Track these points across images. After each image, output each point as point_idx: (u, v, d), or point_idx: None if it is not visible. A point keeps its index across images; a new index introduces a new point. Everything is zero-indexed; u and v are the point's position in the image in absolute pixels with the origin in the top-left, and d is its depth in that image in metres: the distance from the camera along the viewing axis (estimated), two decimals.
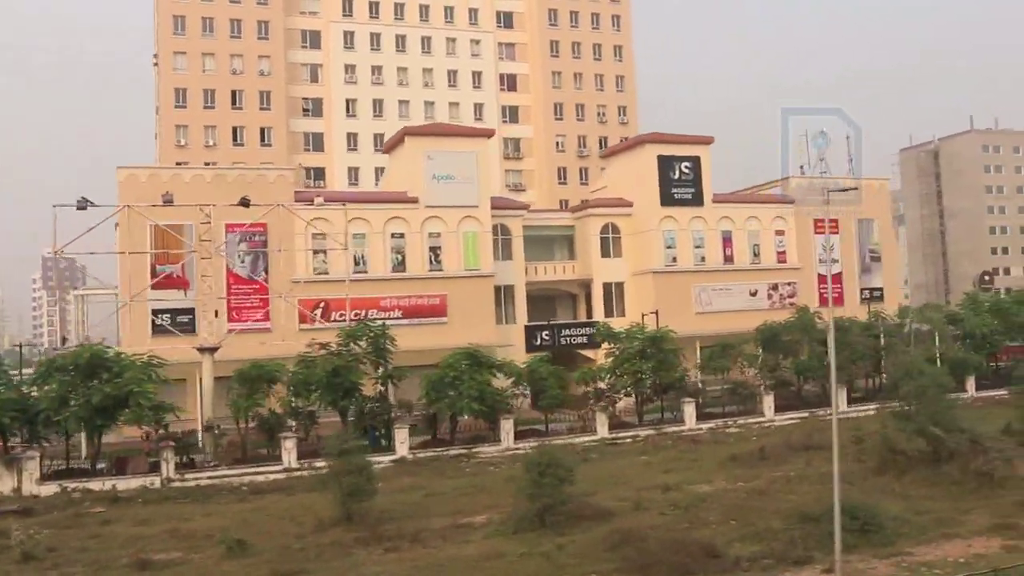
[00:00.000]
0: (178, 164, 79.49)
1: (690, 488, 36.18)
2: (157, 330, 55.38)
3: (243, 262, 57.48)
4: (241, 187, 57.14)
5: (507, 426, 48.28)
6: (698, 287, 68.00)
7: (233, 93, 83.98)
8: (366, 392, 47.16)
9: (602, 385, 52.46)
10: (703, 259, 68.74)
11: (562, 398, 50.07)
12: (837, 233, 73.46)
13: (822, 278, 72.41)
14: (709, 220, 68.92)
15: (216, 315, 48.14)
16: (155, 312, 55.46)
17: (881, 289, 74.66)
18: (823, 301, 69.99)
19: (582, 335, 66.11)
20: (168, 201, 48.38)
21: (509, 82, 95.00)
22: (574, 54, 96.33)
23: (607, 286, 68.13)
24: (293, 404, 45.78)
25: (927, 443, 35.21)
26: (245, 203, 46.77)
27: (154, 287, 54.99)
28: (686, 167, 68.24)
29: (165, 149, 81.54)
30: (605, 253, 68.23)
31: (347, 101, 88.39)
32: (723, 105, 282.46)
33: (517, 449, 47.59)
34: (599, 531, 28.80)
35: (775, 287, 70.66)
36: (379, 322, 50.09)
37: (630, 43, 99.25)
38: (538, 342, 64.80)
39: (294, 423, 45.88)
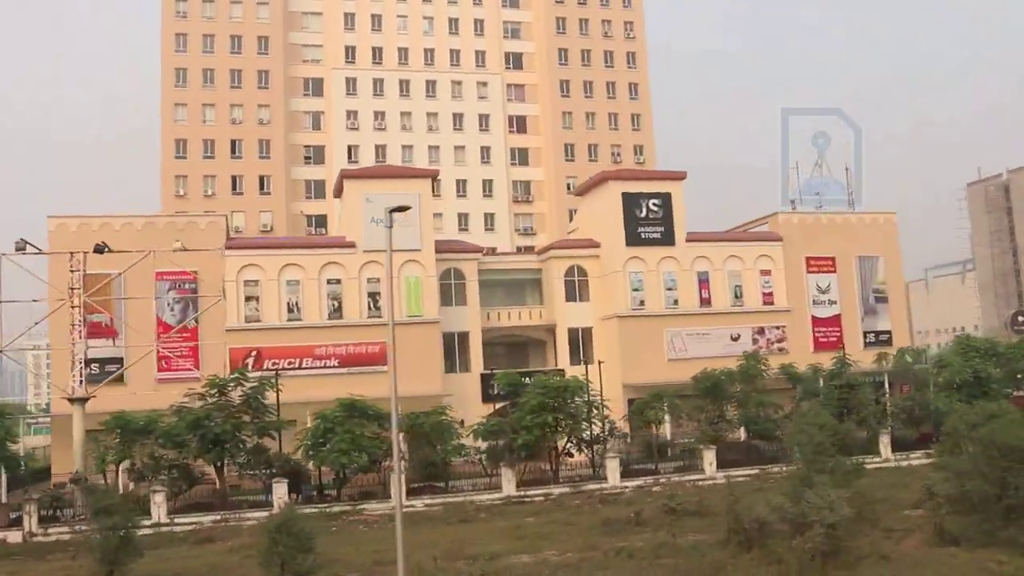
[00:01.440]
0: (177, 213, 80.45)
1: (505, 559, 32.65)
2: (90, 379, 54.75)
3: (172, 310, 56.56)
4: (172, 234, 56.86)
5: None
6: (670, 332, 63.68)
7: (232, 143, 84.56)
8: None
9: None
10: (676, 302, 64.42)
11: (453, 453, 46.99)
12: (833, 272, 68.01)
13: (816, 321, 67.04)
14: (682, 260, 64.68)
15: (84, 364, 46.78)
16: (86, 362, 54.87)
17: (889, 332, 68.55)
18: (818, 345, 64.84)
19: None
20: (99, 250, 47.82)
21: (519, 124, 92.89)
22: (586, 93, 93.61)
23: (573, 332, 64.62)
24: (157, 456, 44.05)
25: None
26: (100, 250, 45.66)
27: (86, 336, 54.55)
28: (654, 204, 64.41)
29: (166, 199, 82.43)
30: (571, 297, 64.83)
31: (349, 147, 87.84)
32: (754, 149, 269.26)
33: (411, 506, 44.67)
34: None
35: (761, 331, 65.61)
36: (273, 371, 48.19)
37: (647, 80, 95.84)
38: (494, 391, 61.54)
39: (165, 476, 44.19)
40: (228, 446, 44.33)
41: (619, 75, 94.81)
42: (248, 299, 57.83)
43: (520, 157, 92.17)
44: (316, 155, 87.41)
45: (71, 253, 46.61)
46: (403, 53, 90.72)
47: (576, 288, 64.97)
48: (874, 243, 69.21)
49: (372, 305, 59.45)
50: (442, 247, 63.49)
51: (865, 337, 67.95)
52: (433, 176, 62.59)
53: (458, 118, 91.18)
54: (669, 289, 64.45)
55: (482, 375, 62.17)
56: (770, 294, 66.53)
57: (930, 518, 31.89)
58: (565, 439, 48.63)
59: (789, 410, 52.16)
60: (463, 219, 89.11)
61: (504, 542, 36.07)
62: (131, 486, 45.47)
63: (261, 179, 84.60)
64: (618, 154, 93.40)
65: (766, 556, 29.61)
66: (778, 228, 67.93)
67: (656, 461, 50.24)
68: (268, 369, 56.65)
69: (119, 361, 55.16)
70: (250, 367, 56.42)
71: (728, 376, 52.02)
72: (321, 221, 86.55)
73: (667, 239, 64.42)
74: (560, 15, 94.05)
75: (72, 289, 45.89)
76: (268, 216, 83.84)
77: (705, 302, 65.05)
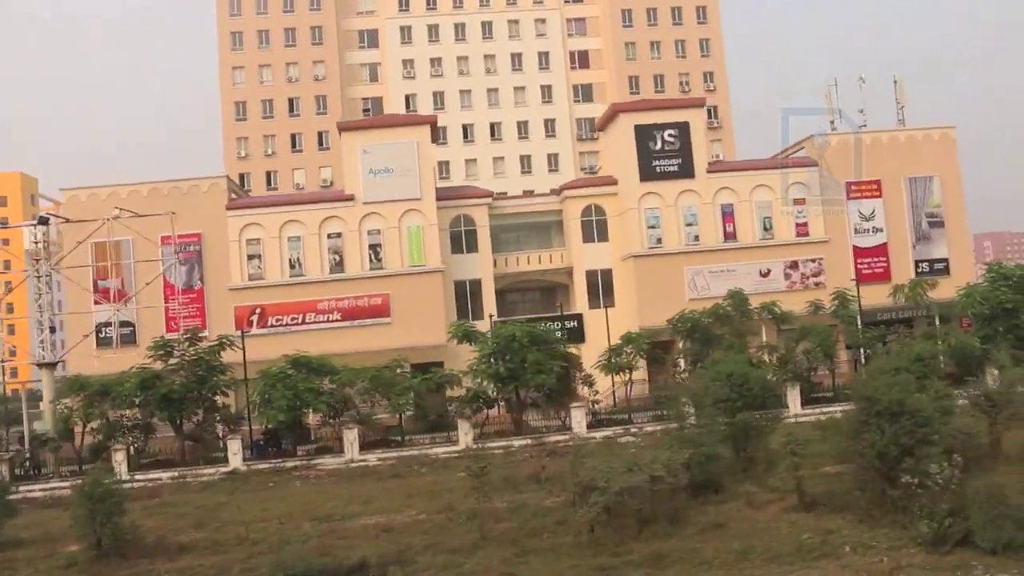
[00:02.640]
0: (241, 175, 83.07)
1: (353, 521, 32.26)
2: (101, 343, 57.59)
3: (179, 272, 58.34)
4: (176, 199, 58.63)
5: (350, 436, 45.31)
6: (692, 270, 60.35)
7: (290, 101, 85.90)
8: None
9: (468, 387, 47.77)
10: (697, 238, 60.88)
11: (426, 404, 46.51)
12: (879, 196, 62.39)
13: (859, 251, 61.87)
14: (703, 194, 60.93)
15: (52, 331, 48.93)
16: (98, 326, 57.67)
17: (946, 260, 62.37)
18: (862, 277, 59.93)
19: (561, 330, 60.73)
20: (43, 221, 50.06)
21: (580, 59, 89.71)
22: (650, 21, 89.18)
23: (591, 274, 62.27)
24: (118, 416, 45.72)
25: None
26: (44, 220, 47.28)
27: (96, 302, 57.36)
28: (670, 136, 60.82)
29: (229, 161, 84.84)
30: (588, 238, 62.47)
31: (406, 97, 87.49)
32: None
33: (363, 461, 44.78)
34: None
35: (794, 265, 61.17)
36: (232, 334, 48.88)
37: (716, 3, 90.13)
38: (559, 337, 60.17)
39: (128, 435, 45.91)
40: (185, 404, 45.47)
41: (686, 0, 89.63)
42: (251, 257, 58.88)
43: (584, 93, 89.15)
44: (375, 107, 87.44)
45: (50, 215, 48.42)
46: None
47: (594, 228, 62.48)
48: (928, 162, 62.82)
49: (373, 257, 59.30)
50: (450, 193, 62.53)
51: (917, 267, 62.09)
52: (432, 122, 61.24)
53: (516, 58, 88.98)
54: (689, 225, 60.93)
55: (494, 323, 60.85)
56: (804, 224, 61.71)
57: (795, 480, 29.04)
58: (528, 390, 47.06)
59: (778, 356, 48.51)
60: (525, 161, 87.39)
61: (386, 500, 35.53)
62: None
63: (320, 135, 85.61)
64: (687, 83, 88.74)
65: (590, 520, 27.79)
66: (814, 152, 62.66)
67: (629, 411, 47.98)
68: (272, 326, 58.00)
69: (131, 325, 57.52)
70: (255, 324, 57.89)
71: (713, 316, 48.70)
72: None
73: (686, 171, 60.78)
74: None
75: (36, 260, 47.83)
76: (328, 171, 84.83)
77: (730, 236, 61.13)
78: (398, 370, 47.41)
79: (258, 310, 58.25)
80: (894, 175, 62.51)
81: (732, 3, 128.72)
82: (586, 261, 62.21)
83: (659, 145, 60.69)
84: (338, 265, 59.08)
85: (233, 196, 62.03)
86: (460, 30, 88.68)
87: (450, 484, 36.32)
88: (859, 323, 53.44)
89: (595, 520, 26.00)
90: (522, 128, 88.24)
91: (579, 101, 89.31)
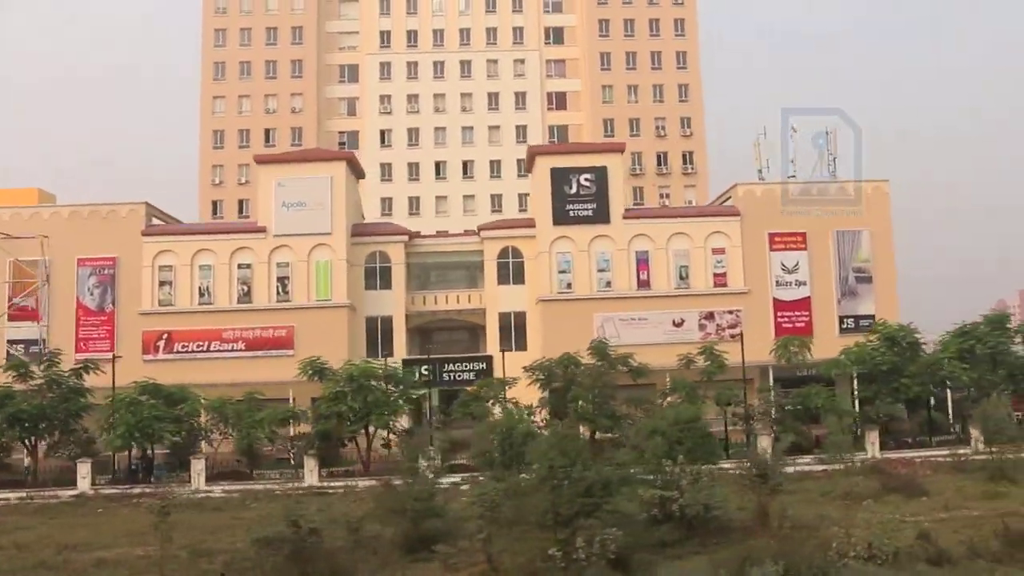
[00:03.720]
0: (214, 202, 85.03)
1: (87, 554, 32.19)
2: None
3: (92, 294, 59.70)
4: (96, 222, 60.22)
5: (197, 466, 45.61)
6: (602, 317, 59.28)
7: (266, 132, 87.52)
8: None
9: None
10: (609, 284, 59.90)
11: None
12: (803, 249, 60.58)
13: (780, 304, 60.10)
14: (618, 240, 60.00)
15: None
16: (9, 342, 59.28)
17: (871, 317, 60.02)
18: (781, 331, 58.30)
19: (470, 370, 60.42)
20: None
21: (558, 100, 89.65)
22: (628, 64, 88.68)
23: (505, 316, 61.66)
24: None
25: None
26: None
27: (10, 318, 59.08)
28: (586, 180, 60.15)
29: (203, 189, 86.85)
30: (504, 280, 61.92)
31: (381, 132, 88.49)
32: None
33: (208, 492, 44.94)
34: None
35: (710, 316, 59.62)
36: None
37: (695, 47, 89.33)
38: (416, 378, 60.15)
39: None
40: (42, 427, 46.29)
41: (665, 44, 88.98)
42: (163, 283, 59.90)
43: (559, 135, 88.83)
44: (350, 140, 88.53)
45: None
46: (438, 35, 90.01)
47: (510, 270, 61.88)
48: (858, 215, 60.78)
49: (281, 289, 59.79)
50: (367, 230, 62.78)
51: (842, 322, 59.93)
52: (349, 159, 61.72)
53: (493, 97, 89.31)
54: (602, 271, 60.01)
55: (404, 360, 60.74)
56: (723, 275, 60.18)
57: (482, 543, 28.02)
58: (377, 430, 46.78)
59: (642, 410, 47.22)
60: (496, 200, 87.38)
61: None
62: None
63: None
64: (663, 128, 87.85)
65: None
66: (738, 201, 61.23)
67: None
68: (178, 351, 58.80)
69: (42, 343, 58.95)
70: (161, 349, 58.84)
71: (565, 365, 47.73)
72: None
73: (601, 217, 59.99)
74: None
75: None
76: None
77: (644, 284, 59.94)
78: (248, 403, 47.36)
79: (165, 335, 59.15)
80: (822, 227, 60.62)
81: (715, 53, 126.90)
82: (501, 303, 61.64)
83: (574, 189, 60.02)
84: (246, 295, 59.71)
85: (160, 221, 63.25)
86: (439, 67, 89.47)
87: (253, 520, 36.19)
88: (772, 382, 51.84)
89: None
90: (495, 167, 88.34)
91: (554, 142, 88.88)
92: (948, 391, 51.60)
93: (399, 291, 61.65)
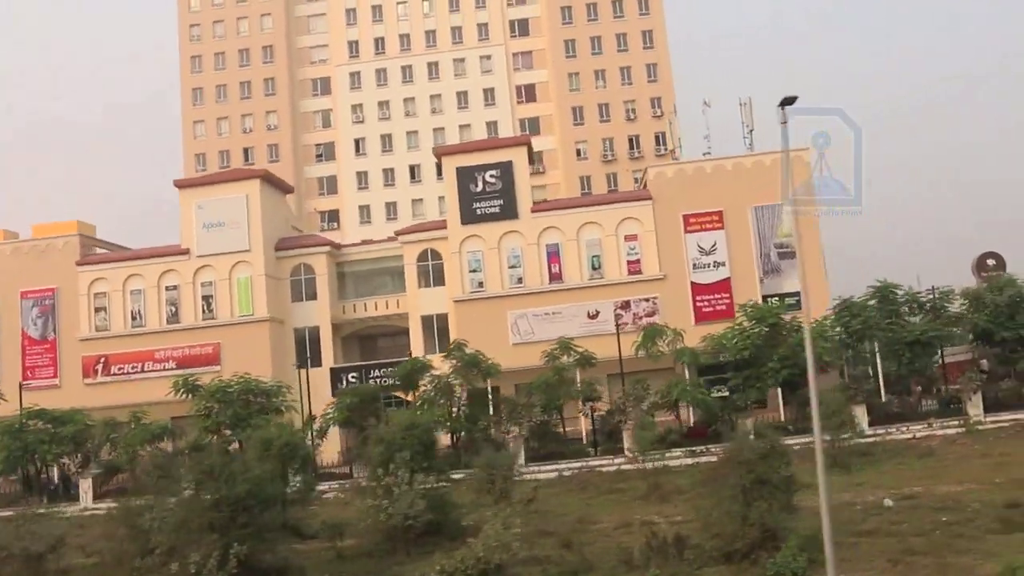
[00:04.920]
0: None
1: None
2: None
3: (35, 324, 62.86)
4: (35, 254, 63.45)
5: (85, 484, 47.93)
6: (515, 314, 59.13)
7: (245, 151, 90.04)
8: None
9: None
10: (520, 280, 59.64)
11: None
12: (720, 228, 59.03)
13: (699, 288, 58.78)
14: (527, 234, 59.68)
15: None
16: None
17: (796, 294, 57.81)
18: (701, 316, 57.27)
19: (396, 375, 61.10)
20: None
21: (527, 93, 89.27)
22: (594, 50, 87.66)
23: (427, 319, 62.09)
24: None
25: None
26: None
27: None
28: (491, 176, 60.03)
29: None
30: (424, 282, 62.35)
31: (356, 141, 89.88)
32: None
33: (95, 509, 47.08)
34: None
35: (625, 305, 58.67)
36: None
37: (663, 25, 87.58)
38: (343, 384, 61.35)
39: None
40: None
41: (631, 25, 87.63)
42: (98, 309, 62.55)
43: (531, 127, 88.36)
44: (327, 152, 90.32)
45: None
46: (405, 39, 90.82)
47: (430, 273, 62.27)
48: (778, 188, 58.55)
49: (206, 308, 61.66)
50: (291, 244, 64.09)
51: (766, 302, 57.89)
52: (262, 176, 63.03)
53: (462, 96, 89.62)
54: (513, 267, 59.77)
55: (331, 369, 61.97)
56: (637, 262, 59.12)
57: None
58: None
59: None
60: None
61: None
62: None
63: None
64: (633, 111, 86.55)
65: None
66: (650, 184, 60.05)
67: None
68: (115, 374, 61.49)
69: None
70: (99, 373, 61.63)
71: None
72: (334, 216, 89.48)
73: (508, 212, 59.79)
74: None
75: None
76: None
77: (556, 278, 59.41)
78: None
79: (102, 359, 61.78)
80: (739, 204, 58.87)
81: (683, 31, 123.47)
82: (423, 305, 62.04)
83: (480, 187, 59.93)
84: (174, 316, 61.81)
85: (100, 250, 65.99)
86: (407, 72, 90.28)
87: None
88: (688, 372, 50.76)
89: None
90: None
91: (527, 135, 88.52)
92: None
93: (324, 301, 62.77)
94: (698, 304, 58.27)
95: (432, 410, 45.40)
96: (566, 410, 49.42)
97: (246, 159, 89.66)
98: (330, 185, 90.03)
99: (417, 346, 61.74)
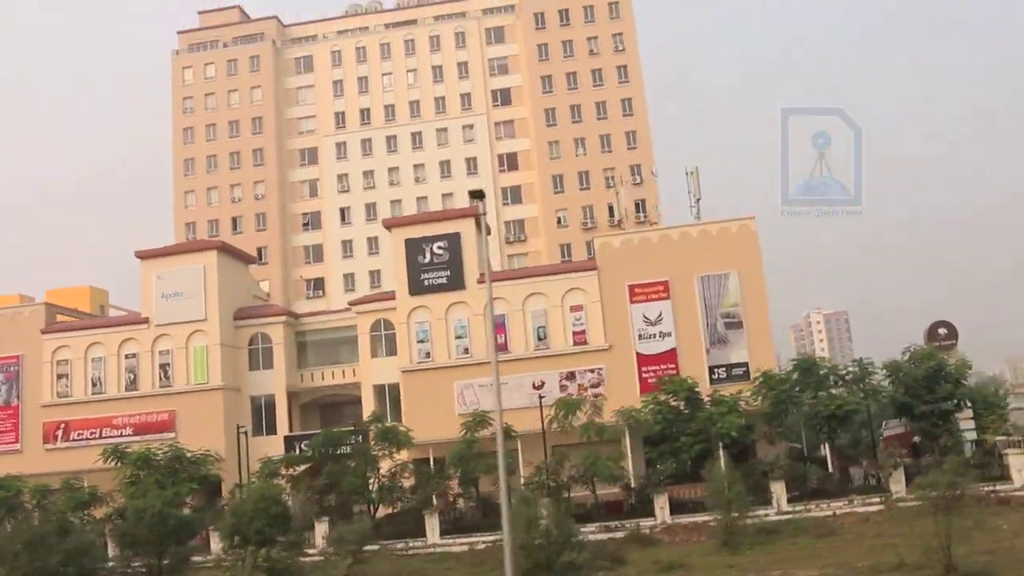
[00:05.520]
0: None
1: None
2: None
3: (0, 391, 64.45)
4: (3, 324, 65.15)
5: None
6: (461, 384, 59.39)
7: (233, 220, 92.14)
8: None
9: None
10: (467, 351, 60.02)
11: None
12: (666, 298, 59.01)
13: (643, 358, 58.67)
14: (474, 305, 60.10)
15: None
16: None
17: (745, 364, 57.57)
18: (646, 387, 57.12)
19: (347, 444, 61.54)
20: None
21: (509, 161, 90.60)
22: (574, 118, 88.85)
23: (380, 388, 62.57)
24: None
25: None
26: None
27: None
28: (439, 248, 60.78)
29: None
30: (378, 352, 62.93)
31: (341, 210, 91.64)
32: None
33: None
34: None
35: (571, 376, 58.72)
36: None
37: (641, 91, 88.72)
38: (297, 452, 61.89)
39: None
40: None
41: (609, 93, 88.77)
42: (60, 376, 63.94)
43: (512, 196, 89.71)
44: (313, 221, 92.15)
45: None
46: (390, 110, 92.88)
47: (383, 342, 62.90)
48: (724, 257, 58.68)
49: (163, 376, 62.77)
50: (250, 313, 65.15)
51: (713, 372, 57.66)
52: (219, 247, 64.41)
53: (445, 165, 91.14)
54: (459, 337, 60.13)
55: (285, 437, 62.63)
56: (582, 332, 59.21)
57: None
58: None
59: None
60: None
61: None
62: None
63: (259, 250, 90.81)
64: (611, 178, 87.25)
65: None
66: (596, 254, 60.41)
67: None
68: (74, 440, 62.74)
69: None
70: (59, 438, 62.95)
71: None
72: (319, 284, 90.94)
73: (455, 283, 60.36)
74: (542, 41, 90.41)
75: None
76: (266, 284, 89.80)
77: (502, 348, 59.51)
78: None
79: (63, 425, 63.02)
80: (685, 274, 58.88)
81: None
82: (376, 375, 62.54)
83: (428, 258, 60.70)
84: (132, 383, 62.96)
85: (70, 317, 67.68)
86: (392, 142, 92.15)
87: None
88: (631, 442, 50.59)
89: None
90: None
91: (508, 203, 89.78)
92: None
93: (280, 370, 63.57)
94: (644, 375, 57.98)
95: (349, 479, 45.70)
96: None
97: (234, 228, 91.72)
98: (316, 253, 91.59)
99: (368, 415, 62.17)
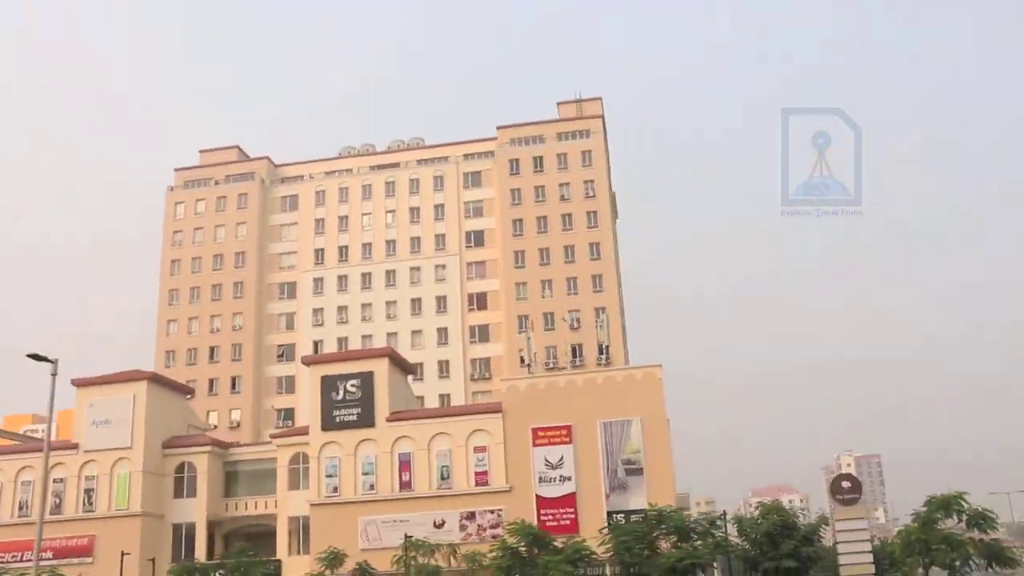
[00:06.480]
0: None
1: None
2: None
3: None
4: None
5: None
6: (365, 520, 59.94)
7: (211, 349, 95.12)
8: None
9: None
10: (372, 487, 60.71)
11: None
12: (568, 443, 59.27)
13: (543, 501, 58.67)
14: (381, 442, 61.14)
15: None
16: None
17: (643, 511, 56.98)
18: (544, 529, 56.96)
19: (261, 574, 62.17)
20: None
21: (479, 300, 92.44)
22: (542, 260, 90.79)
23: (294, 520, 63.39)
24: None
25: None
26: None
27: None
28: (352, 386, 62.29)
29: None
30: (294, 485, 63.95)
31: (314, 343, 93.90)
32: None
33: None
34: None
35: (471, 516, 58.89)
36: None
37: (609, 238, 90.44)
38: None
39: None
40: None
41: (577, 237, 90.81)
42: None
43: (480, 334, 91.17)
44: (288, 353, 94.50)
45: None
46: (367, 248, 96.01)
47: (300, 475, 63.95)
48: (629, 404, 58.99)
49: (87, 501, 64.46)
50: (178, 442, 66.91)
51: (611, 518, 57.22)
52: (149, 377, 66.74)
53: (416, 303, 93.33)
54: (366, 473, 60.99)
55: (199, 566, 63.27)
56: (484, 473, 59.58)
57: None
58: None
59: None
60: (419, 401, 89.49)
61: None
62: None
63: (233, 380, 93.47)
64: (577, 321, 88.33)
65: None
66: (502, 397, 61.17)
67: None
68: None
69: None
70: None
71: None
72: (290, 414, 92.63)
73: (366, 420, 61.56)
74: (515, 186, 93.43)
75: None
76: (237, 413, 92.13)
77: (406, 486, 60.25)
78: None
79: None
80: (589, 419, 59.21)
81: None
82: (293, 507, 63.41)
83: (341, 395, 62.13)
84: (57, 508, 64.69)
85: (9, 441, 70.06)
86: (367, 279, 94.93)
87: None
88: None
89: None
90: (418, 370, 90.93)
91: (475, 341, 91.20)
92: None
93: (202, 499, 64.82)
94: (542, 518, 57.85)
95: None
96: None
97: (211, 357, 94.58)
98: (288, 384, 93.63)
99: (283, 546, 62.90)
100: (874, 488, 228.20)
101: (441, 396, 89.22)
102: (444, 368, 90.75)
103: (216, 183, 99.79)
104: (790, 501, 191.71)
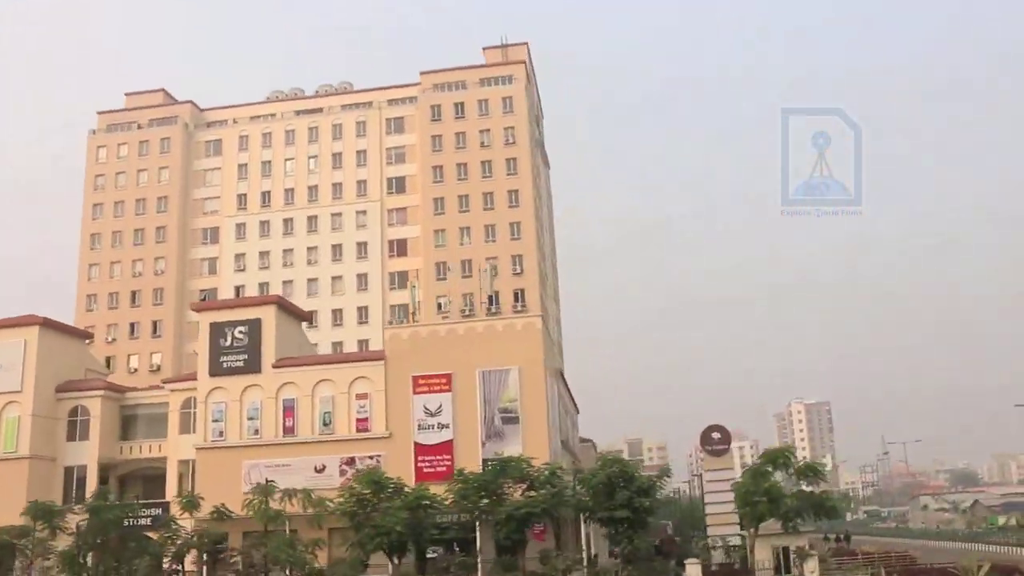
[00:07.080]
0: None
1: None
2: None
3: None
4: None
5: None
6: (249, 464, 60.44)
7: (132, 293, 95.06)
8: None
9: None
10: (257, 432, 61.18)
11: None
12: (447, 391, 59.69)
13: (421, 448, 59.27)
14: (267, 388, 61.44)
15: None
16: None
17: (518, 458, 57.65)
18: (422, 476, 57.74)
19: (148, 516, 62.77)
20: None
21: (399, 247, 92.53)
22: (461, 207, 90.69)
23: (184, 464, 63.89)
24: None
25: None
26: None
27: None
28: (240, 332, 62.36)
29: None
30: (185, 429, 64.31)
31: (236, 288, 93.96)
32: None
33: None
34: None
35: (351, 461, 59.44)
36: None
37: (528, 185, 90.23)
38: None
39: None
40: None
41: (497, 184, 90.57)
42: None
43: (400, 281, 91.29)
44: (210, 297, 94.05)
45: None
46: (289, 194, 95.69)
47: (192, 420, 64.31)
48: (508, 353, 59.35)
49: None
50: (71, 386, 66.99)
51: (486, 465, 57.79)
52: (38, 323, 66.65)
53: (337, 249, 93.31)
54: (251, 419, 61.37)
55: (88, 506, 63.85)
56: (365, 420, 60.06)
57: None
58: None
59: None
60: (337, 348, 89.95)
61: None
62: None
63: (154, 323, 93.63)
64: (495, 268, 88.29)
65: None
66: (385, 345, 61.45)
67: None
68: None
69: None
70: None
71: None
72: None
73: (252, 367, 61.75)
74: (437, 132, 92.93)
75: None
76: (159, 356, 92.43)
77: (289, 431, 60.73)
78: None
79: None
80: (469, 368, 59.57)
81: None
82: (183, 451, 63.83)
83: (229, 341, 62.27)
84: None
85: None
86: (288, 224, 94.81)
87: None
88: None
89: None
90: (337, 315, 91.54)
91: (395, 288, 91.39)
92: None
93: (95, 442, 65.17)
94: (419, 464, 58.52)
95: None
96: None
97: (133, 302, 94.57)
98: None
99: (172, 489, 63.52)
100: (823, 435, 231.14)
101: (360, 342, 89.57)
102: (364, 314, 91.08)
103: (139, 127, 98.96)
104: (740, 448, 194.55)
